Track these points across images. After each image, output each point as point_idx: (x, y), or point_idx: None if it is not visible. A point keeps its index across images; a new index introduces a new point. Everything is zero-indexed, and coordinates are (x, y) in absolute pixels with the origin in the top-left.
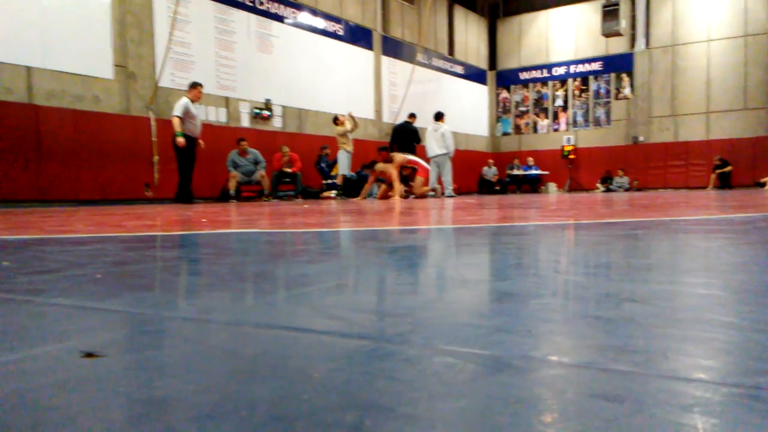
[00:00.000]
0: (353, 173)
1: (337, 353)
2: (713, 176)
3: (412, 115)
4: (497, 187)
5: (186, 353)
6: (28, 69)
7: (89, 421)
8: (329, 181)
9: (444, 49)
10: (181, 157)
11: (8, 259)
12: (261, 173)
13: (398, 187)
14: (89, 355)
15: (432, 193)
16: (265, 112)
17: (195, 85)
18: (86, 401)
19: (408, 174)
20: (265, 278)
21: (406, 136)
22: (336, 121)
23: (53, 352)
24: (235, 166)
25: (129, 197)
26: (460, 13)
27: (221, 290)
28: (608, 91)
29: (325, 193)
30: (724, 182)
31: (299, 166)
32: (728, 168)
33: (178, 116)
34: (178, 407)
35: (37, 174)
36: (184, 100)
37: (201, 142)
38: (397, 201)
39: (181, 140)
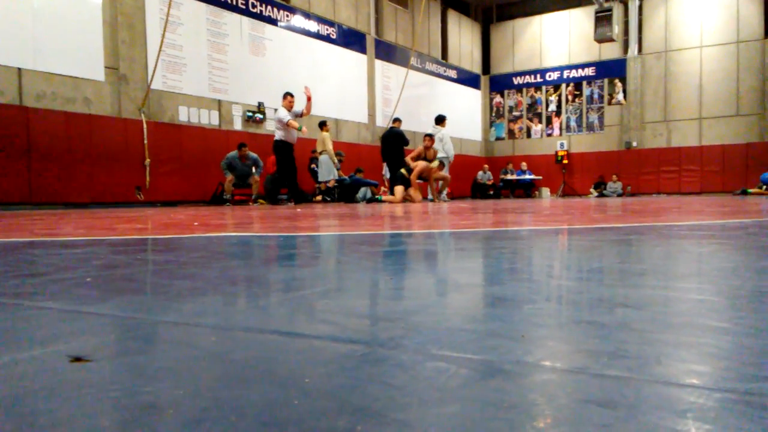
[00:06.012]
0: (347, 177)
1: (328, 358)
2: None
3: (397, 120)
4: (491, 192)
5: (175, 358)
6: (19, 70)
7: (76, 427)
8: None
9: (437, 54)
10: (285, 163)
11: None
12: (255, 177)
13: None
14: (77, 359)
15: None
16: (258, 116)
17: (287, 95)
18: (74, 406)
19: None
20: (255, 282)
21: (394, 141)
22: (324, 126)
23: (41, 356)
24: (231, 168)
25: (120, 200)
26: (453, 17)
27: (212, 294)
28: (601, 97)
29: (318, 197)
30: None
31: None
32: None
33: (289, 119)
34: (166, 412)
35: (27, 176)
36: (284, 110)
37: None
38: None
39: (294, 123)
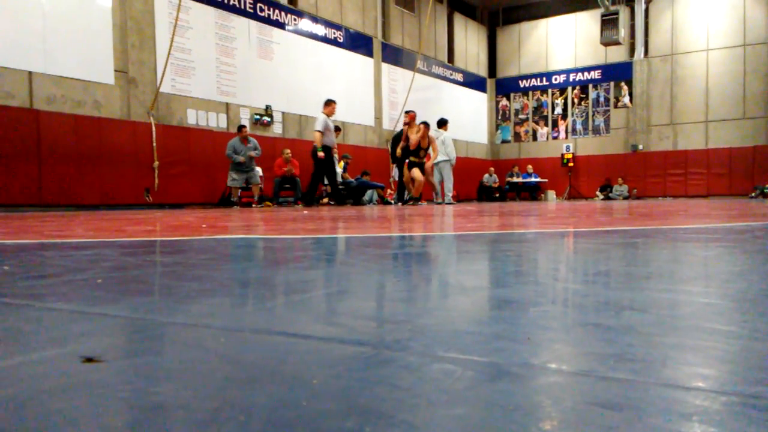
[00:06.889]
0: (353, 179)
1: (336, 359)
2: None
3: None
4: (497, 195)
5: (185, 359)
6: (30, 74)
7: (88, 426)
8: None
9: (444, 57)
10: (319, 166)
11: (8, 263)
12: (259, 187)
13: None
14: (89, 360)
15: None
16: (266, 119)
17: (330, 102)
18: (85, 406)
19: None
20: (263, 284)
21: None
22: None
23: (52, 356)
24: (236, 153)
25: (129, 202)
26: (459, 21)
27: (220, 296)
28: (607, 100)
29: (324, 199)
30: None
31: (297, 172)
32: None
33: (319, 131)
34: (176, 413)
35: (38, 179)
36: (323, 116)
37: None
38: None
39: (321, 154)
